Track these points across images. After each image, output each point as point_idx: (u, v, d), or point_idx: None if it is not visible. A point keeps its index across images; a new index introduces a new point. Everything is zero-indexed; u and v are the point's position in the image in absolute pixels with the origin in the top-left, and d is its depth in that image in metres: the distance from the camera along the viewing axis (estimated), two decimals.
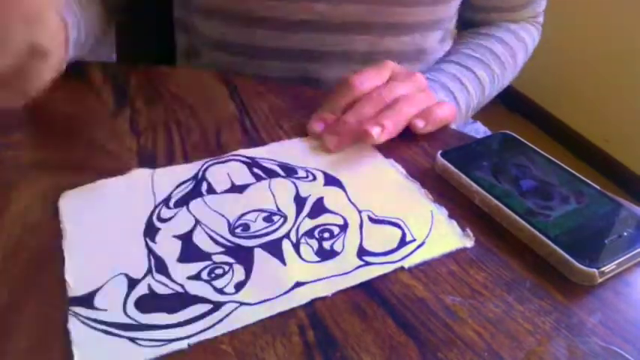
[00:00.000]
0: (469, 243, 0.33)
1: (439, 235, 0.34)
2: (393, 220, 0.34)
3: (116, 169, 0.37)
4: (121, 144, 0.39)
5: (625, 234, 0.33)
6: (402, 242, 0.33)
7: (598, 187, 0.37)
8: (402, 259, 0.32)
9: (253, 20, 0.52)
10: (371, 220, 0.34)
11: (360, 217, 0.34)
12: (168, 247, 0.31)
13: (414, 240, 0.33)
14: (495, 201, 0.35)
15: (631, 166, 1.72)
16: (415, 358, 0.26)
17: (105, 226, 0.33)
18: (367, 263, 0.31)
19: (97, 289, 0.29)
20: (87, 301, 0.28)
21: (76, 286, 0.29)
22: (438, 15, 0.55)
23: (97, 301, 0.28)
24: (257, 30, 0.53)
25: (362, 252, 0.32)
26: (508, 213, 0.34)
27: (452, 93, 0.53)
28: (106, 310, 0.28)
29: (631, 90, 1.68)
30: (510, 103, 1.92)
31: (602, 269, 0.30)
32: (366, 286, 0.30)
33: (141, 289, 0.29)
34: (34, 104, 0.43)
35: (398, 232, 0.34)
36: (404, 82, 0.44)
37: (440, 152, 0.40)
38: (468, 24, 0.65)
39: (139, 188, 0.35)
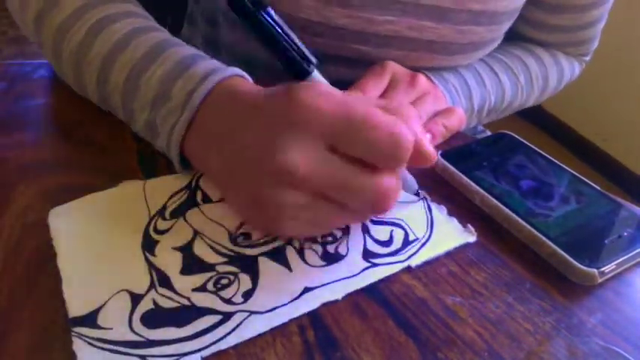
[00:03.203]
0: (472, 238, 0.33)
1: (441, 233, 0.34)
2: (395, 221, 0.34)
3: (116, 168, 0.37)
4: (122, 143, 0.39)
5: (625, 234, 0.33)
6: (406, 241, 0.33)
7: (598, 187, 0.37)
8: (408, 258, 0.32)
9: None
10: (372, 221, 0.34)
11: None
12: (168, 259, 0.30)
13: (418, 239, 0.33)
14: (495, 201, 0.35)
15: (630, 166, 1.72)
16: (415, 358, 0.26)
17: (100, 242, 0.31)
18: (374, 264, 0.31)
19: (99, 308, 0.27)
20: (90, 320, 0.27)
21: (76, 306, 0.27)
22: (477, 57, 0.54)
23: (101, 319, 0.27)
24: None
25: (367, 254, 0.32)
26: (508, 213, 0.34)
27: (466, 83, 0.52)
28: (111, 328, 0.26)
29: (630, 90, 1.68)
30: None
31: (602, 269, 0.30)
32: (367, 286, 0.30)
33: (145, 305, 0.28)
34: (35, 105, 0.44)
35: (401, 232, 0.34)
36: (406, 91, 0.44)
37: (440, 152, 0.40)
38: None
39: (131, 200, 0.34)
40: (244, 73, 0.35)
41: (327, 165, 0.28)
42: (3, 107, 0.43)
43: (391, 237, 0.33)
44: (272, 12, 0.30)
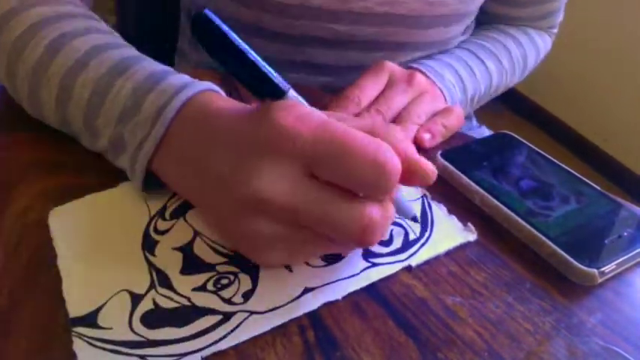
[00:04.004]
0: (472, 237, 0.33)
1: (441, 231, 0.34)
2: (396, 220, 0.34)
3: (116, 168, 0.37)
4: None
5: (625, 234, 0.33)
6: (407, 241, 0.33)
7: (598, 187, 0.37)
8: (409, 257, 0.32)
9: (267, 34, 0.51)
10: None
11: None
12: (169, 259, 0.30)
13: (418, 238, 0.33)
14: (495, 201, 0.35)
15: (631, 166, 1.72)
16: (415, 358, 0.26)
17: (100, 242, 0.31)
18: (374, 264, 0.31)
19: (100, 308, 0.27)
20: (90, 320, 0.27)
21: (76, 306, 0.27)
22: (452, 33, 0.55)
23: (101, 319, 0.27)
24: (270, 43, 0.52)
25: (367, 253, 0.32)
26: (508, 213, 0.34)
27: (459, 75, 0.53)
28: (111, 328, 0.26)
29: (630, 90, 1.68)
30: (511, 103, 1.92)
31: (602, 269, 0.30)
32: (367, 286, 0.30)
33: (146, 305, 0.28)
34: None
35: (401, 231, 0.34)
36: (404, 90, 0.44)
37: (440, 152, 0.40)
38: (487, 23, 0.65)
39: (131, 201, 0.34)
40: (218, 88, 0.34)
41: (305, 193, 0.26)
42: (3, 107, 0.43)
43: (391, 236, 0.33)
44: (234, 35, 0.28)
